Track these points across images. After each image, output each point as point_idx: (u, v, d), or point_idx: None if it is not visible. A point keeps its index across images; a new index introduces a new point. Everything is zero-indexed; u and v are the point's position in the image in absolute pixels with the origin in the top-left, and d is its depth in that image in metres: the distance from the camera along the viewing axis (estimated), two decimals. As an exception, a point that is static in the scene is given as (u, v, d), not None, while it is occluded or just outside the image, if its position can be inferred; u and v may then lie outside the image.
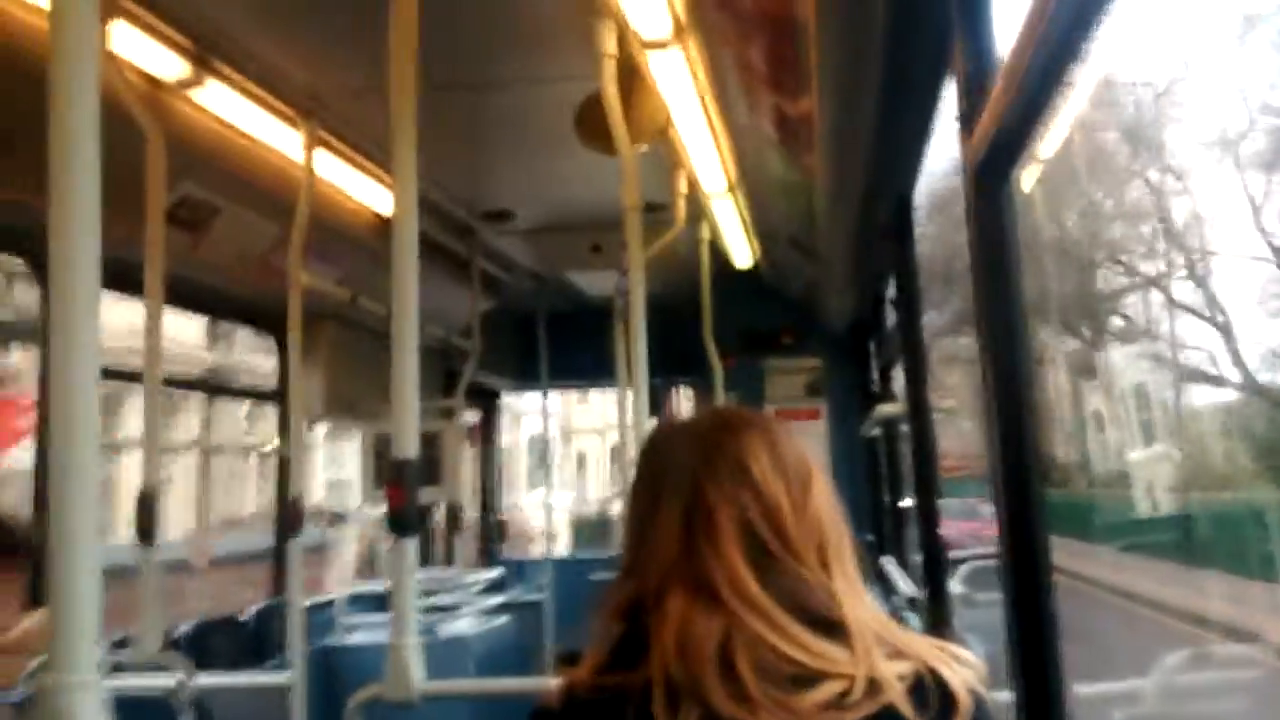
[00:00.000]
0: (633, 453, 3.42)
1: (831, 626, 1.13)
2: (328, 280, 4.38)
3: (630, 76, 3.07)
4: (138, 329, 3.15)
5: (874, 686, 1.08)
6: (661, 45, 3.03)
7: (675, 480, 1.23)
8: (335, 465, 20.07)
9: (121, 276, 2.76)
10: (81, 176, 1.42)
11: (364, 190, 4.40)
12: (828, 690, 1.08)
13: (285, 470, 4.25)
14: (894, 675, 1.10)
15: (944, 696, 1.11)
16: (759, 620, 1.12)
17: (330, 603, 5.24)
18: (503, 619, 5.63)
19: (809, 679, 1.08)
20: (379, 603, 5.19)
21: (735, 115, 3.69)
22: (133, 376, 3.40)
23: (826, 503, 1.24)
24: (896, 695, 1.08)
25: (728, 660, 1.09)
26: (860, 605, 1.17)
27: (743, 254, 5.67)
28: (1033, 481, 1.77)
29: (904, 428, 5.09)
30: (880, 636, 1.14)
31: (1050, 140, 2.60)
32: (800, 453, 1.26)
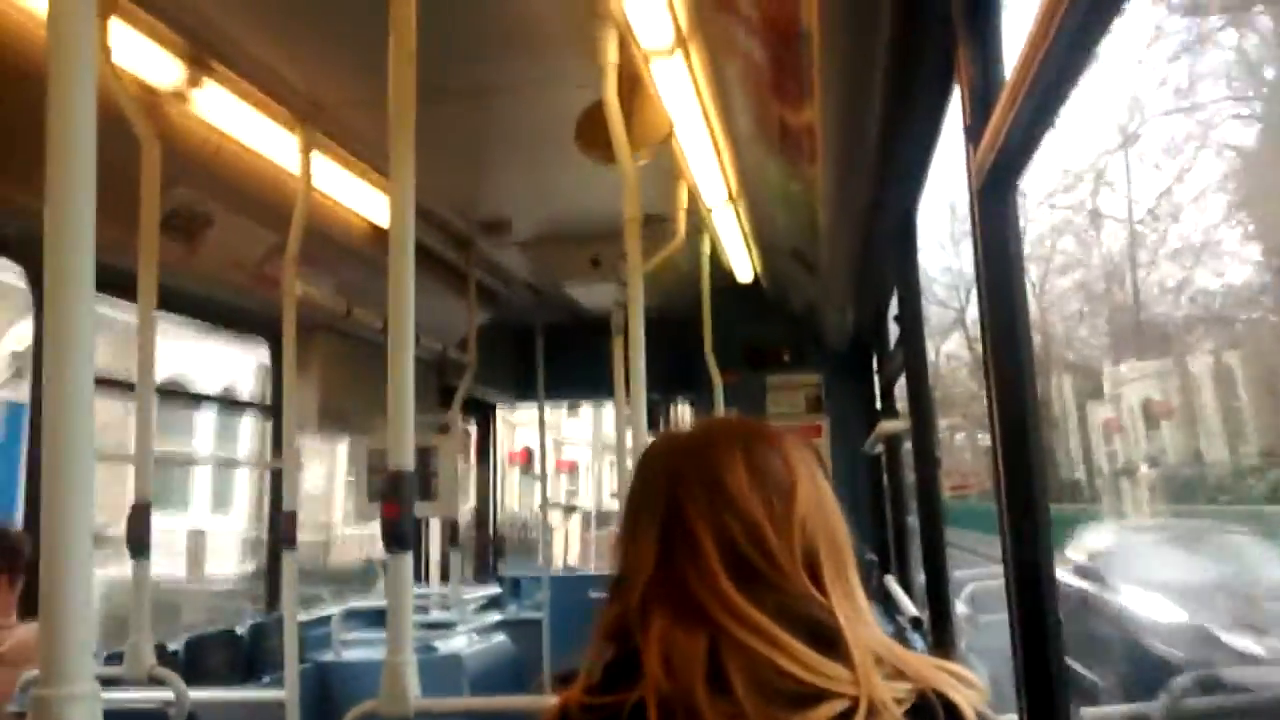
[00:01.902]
0: (629, 468, 3.39)
1: (829, 641, 1.09)
2: (323, 290, 4.36)
3: (631, 85, 3.05)
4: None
5: (873, 708, 1.04)
6: (664, 53, 3.02)
7: (653, 499, 1.21)
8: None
9: (115, 283, 2.74)
10: (78, 183, 1.40)
11: (360, 199, 4.38)
12: (827, 710, 1.04)
13: (279, 483, 4.21)
14: (892, 698, 1.06)
15: (950, 718, 1.07)
16: (749, 634, 1.08)
17: (326, 618, 5.21)
18: (500, 636, 5.61)
19: (809, 697, 1.04)
20: (375, 618, 5.16)
21: (737, 125, 3.67)
22: (125, 386, 3.37)
23: (815, 512, 1.18)
24: (894, 719, 1.05)
25: (719, 676, 1.06)
26: (858, 621, 1.13)
27: (744, 267, 5.65)
28: (1037, 498, 1.75)
29: (908, 445, 5.06)
30: (879, 655, 1.10)
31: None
32: (785, 462, 1.21)
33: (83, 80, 1.41)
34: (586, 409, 23.01)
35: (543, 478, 7.61)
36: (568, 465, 31.44)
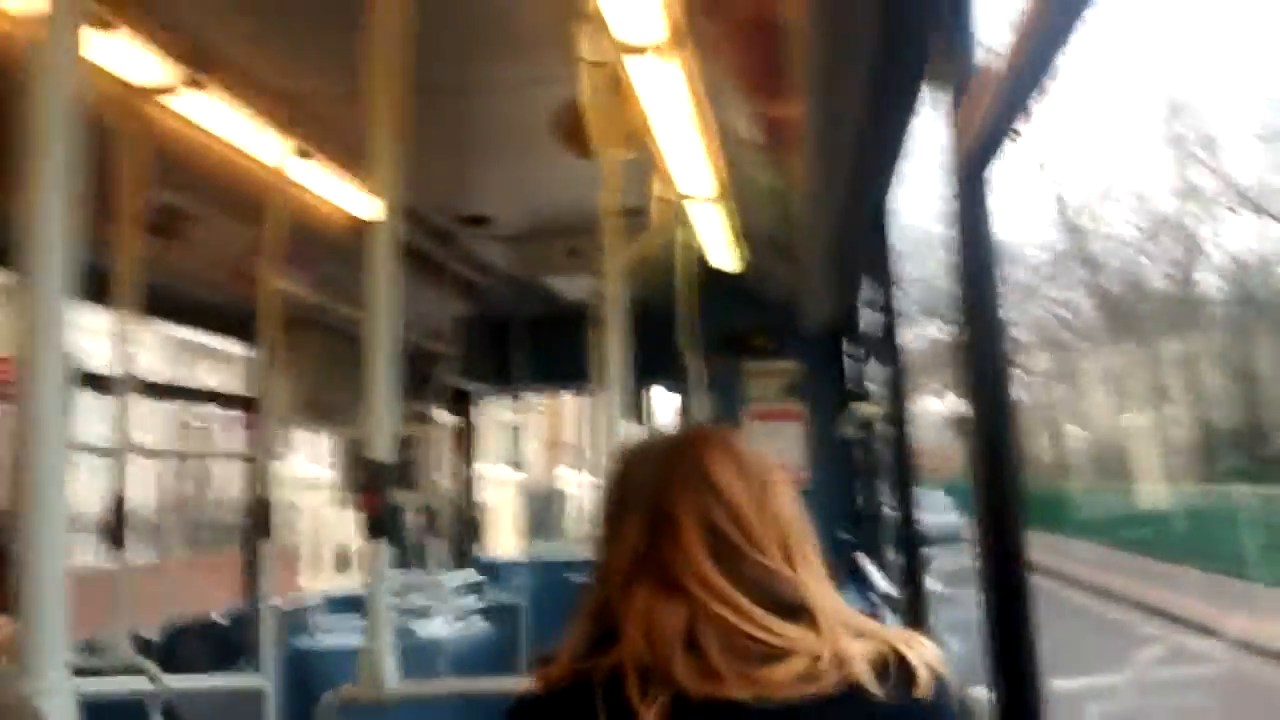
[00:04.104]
0: (607, 456, 3.41)
1: (796, 611, 1.18)
2: (303, 285, 4.35)
3: (610, 81, 3.05)
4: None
5: (840, 662, 1.14)
6: (642, 51, 3.02)
7: (639, 492, 1.29)
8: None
9: (95, 283, 2.73)
10: (56, 182, 1.41)
11: (341, 194, 4.37)
12: (795, 665, 1.13)
13: (257, 474, 4.23)
14: (859, 654, 1.15)
15: (904, 673, 1.16)
16: (723, 606, 1.17)
17: (304, 606, 5.21)
18: (479, 621, 5.62)
19: (776, 656, 1.14)
20: (354, 605, 5.16)
21: (715, 121, 3.68)
22: (104, 382, 3.36)
23: (788, 503, 1.29)
24: (861, 671, 1.13)
25: (694, 643, 1.15)
26: (825, 595, 1.23)
27: (722, 258, 5.66)
28: (1010, 479, 1.78)
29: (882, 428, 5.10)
30: (844, 621, 1.20)
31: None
32: (761, 459, 1.32)
33: (62, 84, 1.42)
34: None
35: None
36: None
